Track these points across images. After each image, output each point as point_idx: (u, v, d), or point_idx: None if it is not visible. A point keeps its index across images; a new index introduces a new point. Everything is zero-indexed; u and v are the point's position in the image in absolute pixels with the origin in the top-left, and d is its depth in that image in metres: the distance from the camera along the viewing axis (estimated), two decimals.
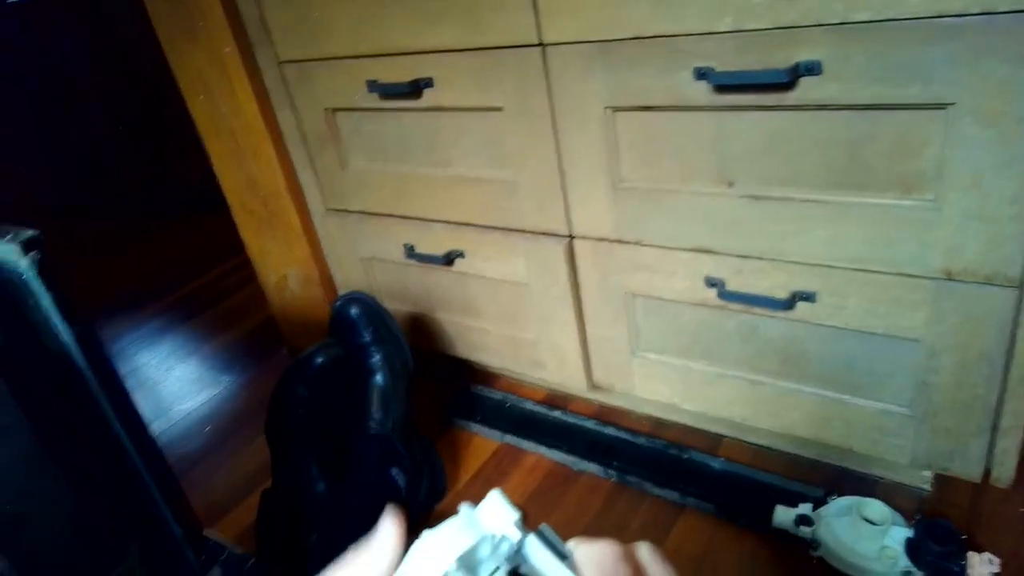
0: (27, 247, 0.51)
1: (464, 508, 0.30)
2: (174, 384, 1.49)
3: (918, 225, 0.70)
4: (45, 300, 0.52)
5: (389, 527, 0.29)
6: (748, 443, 1.06)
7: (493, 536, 0.29)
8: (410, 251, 1.13)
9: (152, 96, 2.35)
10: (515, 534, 0.29)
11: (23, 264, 0.51)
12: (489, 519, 0.29)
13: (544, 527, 0.30)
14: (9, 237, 0.51)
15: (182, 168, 2.42)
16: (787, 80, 0.69)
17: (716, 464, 1.02)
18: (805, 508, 0.88)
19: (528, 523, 0.30)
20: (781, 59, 0.69)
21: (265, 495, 1.02)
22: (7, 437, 0.56)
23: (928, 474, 0.93)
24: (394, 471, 0.98)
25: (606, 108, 0.83)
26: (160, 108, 2.34)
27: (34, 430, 0.57)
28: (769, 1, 0.67)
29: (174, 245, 2.26)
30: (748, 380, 0.92)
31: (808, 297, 0.80)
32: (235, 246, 1.42)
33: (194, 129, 1.24)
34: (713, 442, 1.07)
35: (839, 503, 0.89)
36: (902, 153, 0.68)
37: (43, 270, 0.51)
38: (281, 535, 0.99)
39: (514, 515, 0.29)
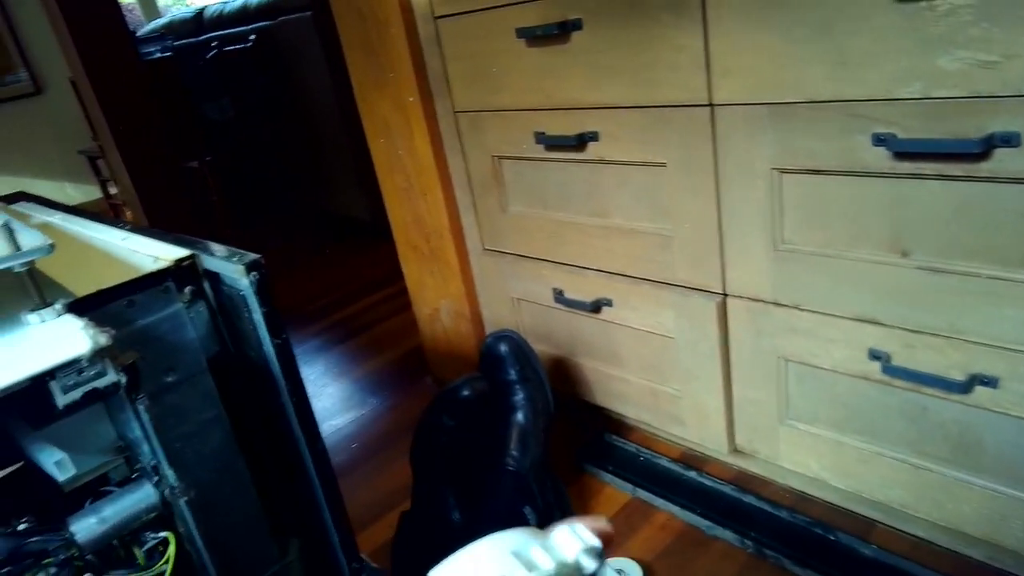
0: (249, 268, 0.59)
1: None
2: (327, 400, 1.60)
3: None
4: (257, 314, 0.60)
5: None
6: (905, 533, 0.97)
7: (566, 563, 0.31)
8: (559, 295, 1.16)
9: (331, 138, 2.59)
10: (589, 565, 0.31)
11: (244, 283, 0.59)
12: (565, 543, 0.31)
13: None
14: (236, 259, 0.60)
15: (352, 202, 2.64)
16: (979, 150, 0.66)
17: (867, 551, 0.95)
18: None
19: None
20: (973, 128, 0.66)
21: (404, 516, 1.07)
22: (211, 429, 0.64)
23: None
24: (527, 509, 0.99)
25: (772, 169, 0.83)
26: (337, 149, 2.58)
27: (231, 426, 0.65)
28: (964, 69, 0.65)
29: (338, 271, 2.45)
30: (911, 464, 0.86)
31: (989, 382, 0.74)
32: (393, 276, 1.52)
33: (367, 168, 1.36)
34: (864, 526, 1.00)
35: None
36: None
37: (260, 288, 0.59)
38: (415, 557, 1.03)
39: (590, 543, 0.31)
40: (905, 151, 0.71)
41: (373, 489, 1.25)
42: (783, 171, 0.83)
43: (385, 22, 1.16)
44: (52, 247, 0.51)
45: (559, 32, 0.95)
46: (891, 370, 0.81)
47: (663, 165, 0.94)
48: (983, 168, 0.67)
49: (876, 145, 0.73)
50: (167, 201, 2.45)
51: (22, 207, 0.96)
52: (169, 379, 0.61)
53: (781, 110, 0.79)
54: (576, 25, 0.93)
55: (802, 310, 0.88)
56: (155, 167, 2.39)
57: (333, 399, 1.61)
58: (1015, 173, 0.65)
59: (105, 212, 3.57)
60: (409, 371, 1.64)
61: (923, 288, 0.76)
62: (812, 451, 0.96)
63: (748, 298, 0.93)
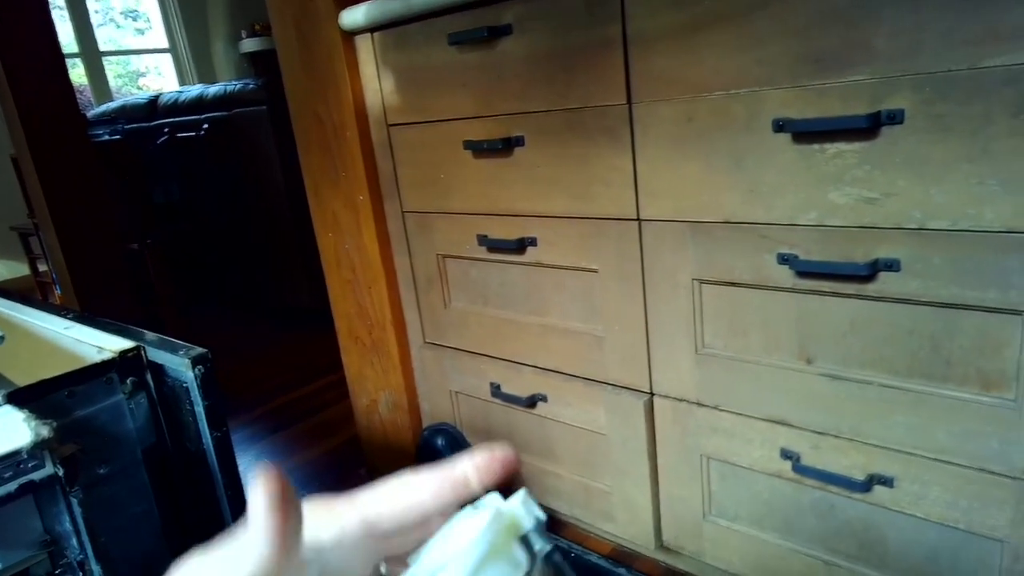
0: (195, 362, 0.61)
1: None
2: None
3: (1000, 422, 0.71)
4: (199, 407, 0.62)
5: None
6: None
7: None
8: (496, 390, 1.20)
9: (279, 227, 2.62)
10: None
11: (189, 376, 0.61)
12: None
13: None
14: (183, 352, 0.62)
15: (298, 291, 2.65)
16: (866, 273, 0.74)
17: None
18: None
19: None
20: (861, 254, 0.76)
21: None
22: (140, 524, 0.64)
23: None
24: None
25: (693, 279, 0.91)
26: (285, 238, 2.61)
27: (162, 519, 0.65)
28: (851, 203, 0.75)
29: (278, 360, 2.42)
30: (823, 560, 0.91)
31: (886, 481, 0.81)
32: (334, 366, 1.52)
33: (314, 258, 1.40)
34: None
35: None
36: (982, 351, 0.71)
37: (205, 382, 0.61)
38: None
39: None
40: (805, 271, 0.80)
41: None
42: (703, 282, 0.91)
43: (341, 126, 1.23)
44: (2, 339, 0.52)
45: (503, 147, 1.03)
46: (801, 469, 0.87)
47: (596, 271, 1.01)
48: (871, 288, 0.76)
49: (781, 263, 0.81)
50: (102, 282, 2.40)
51: None
52: (102, 471, 0.61)
53: (701, 228, 0.88)
54: (519, 142, 1.02)
55: (722, 411, 0.94)
56: (92, 247, 2.36)
57: None
58: (898, 294, 0.74)
59: (32, 290, 3.45)
60: (343, 462, 1.62)
61: (826, 393, 0.83)
62: (734, 547, 0.99)
63: (673, 398, 0.98)
